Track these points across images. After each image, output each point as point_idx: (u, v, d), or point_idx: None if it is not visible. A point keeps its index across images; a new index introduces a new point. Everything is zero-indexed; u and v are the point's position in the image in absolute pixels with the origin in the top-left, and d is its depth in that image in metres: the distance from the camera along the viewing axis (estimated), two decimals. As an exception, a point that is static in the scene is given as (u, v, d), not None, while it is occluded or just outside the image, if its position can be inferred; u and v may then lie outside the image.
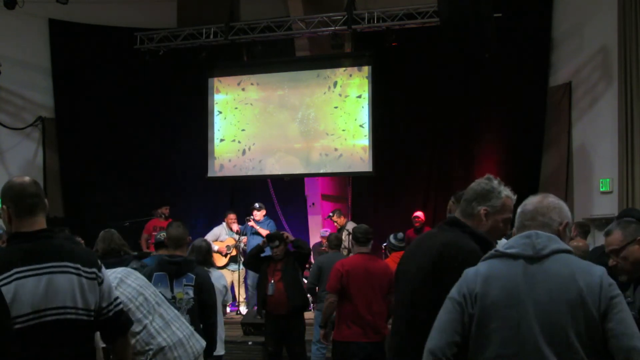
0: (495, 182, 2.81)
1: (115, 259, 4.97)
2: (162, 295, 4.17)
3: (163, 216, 10.47)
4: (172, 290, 4.47)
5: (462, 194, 2.92)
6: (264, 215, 9.92)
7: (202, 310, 4.52)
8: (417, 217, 10.23)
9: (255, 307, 8.47)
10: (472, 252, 2.61)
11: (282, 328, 6.95)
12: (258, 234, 9.69)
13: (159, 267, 4.59)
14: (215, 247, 9.95)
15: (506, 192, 2.80)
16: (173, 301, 4.40)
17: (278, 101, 11.27)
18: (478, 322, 2.25)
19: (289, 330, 6.95)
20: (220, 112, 11.50)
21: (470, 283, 2.31)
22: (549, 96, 10.31)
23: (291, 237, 7.41)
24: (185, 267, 4.58)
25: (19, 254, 2.63)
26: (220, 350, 5.61)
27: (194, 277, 4.55)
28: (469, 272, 2.36)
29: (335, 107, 10.88)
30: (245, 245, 9.85)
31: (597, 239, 9.67)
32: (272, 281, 6.94)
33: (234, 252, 9.89)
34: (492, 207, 2.77)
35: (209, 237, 10.08)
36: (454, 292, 2.34)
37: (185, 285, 4.51)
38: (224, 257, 10.00)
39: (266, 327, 7.27)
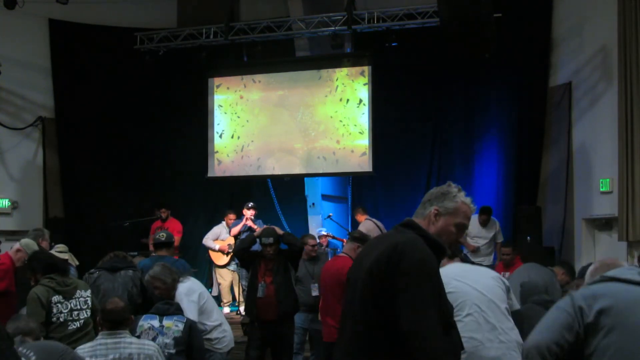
0: (454, 187, 2.76)
1: (120, 264, 5.47)
2: (150, 324, 4.59)
3: (161, 218, 10.49)
4: (160, 322, 4.67)
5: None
6: (253, 215, 9.91)
7: (191, 353, 4.69)
8: None
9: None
10: (423, 260, 2.50)
11: (269, 334, 6.40)
12: (253, 231, 9.69)
13: (151, 310, 4.85)
14: (217, 246, 10.02)
15: (463, 198, 2.73)
16: (161, 328, 4.62)
17: (278, 101, 11.27)
18: (607, 336, 2.33)
19: (277, 336, 6.42)
20: (220, 112, 11.50)
21: (588, 299, 2.39)
22: (549, 96, 10.31)
23: (280, 231, 6.68)
24: (176, 310, 4.83)
25: None
26: (230, 343, 5.86)
27: (185, 318, 4.80)
28: (585, 292, 2.44)
29: (335, 107, 10.87)
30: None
31: (597, 239, 9.68)
32: (263, 282, 6.37)
33: None
34: (444, 208, 2.69)
35: (210, 236, 10.17)
36: (562, 304, 2.41)
37: (176, 320, 4.70)
38: (225, 256, 10.04)
39: (251, 331, 6.65)
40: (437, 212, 2.68)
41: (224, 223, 10.26)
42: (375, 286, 2.48)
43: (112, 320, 4.01)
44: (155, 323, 4.63)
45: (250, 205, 9.86)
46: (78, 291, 4.94)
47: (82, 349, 3.94)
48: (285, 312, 6.40)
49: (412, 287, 2.41)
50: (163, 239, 6.42)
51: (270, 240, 6.37)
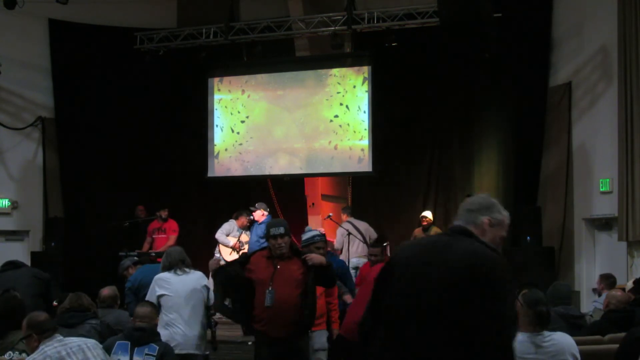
0: (496, 200, 2.79)
1: (76, 319, 5.24)
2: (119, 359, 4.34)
3: (161, 218, 10.53)
4: (131, 358, 4.43)
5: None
6: (267, 216, 9.88)
7: None
8: (425, 217, 10.28)
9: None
10: (508, 268, 2.54)
11: (282, 354, 5.00)
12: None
13: (123, 336, 4.61)
14: (230, 242, 10.05)
15: (505, 212, 2.76)
16: None
17: (278, 101, 11.27)
18: None
19: (292, 353, 5.04)
20: (220, 112, 11.50)
21: None
22: (549, 96, 10.30)
23: (318, 261, 5.02)
24: (149, 336, 4.55)
25: None
26: (201, 349, 5.72)
27: (157, 347, 4.51)
28: None
29: (335, 107, 10.87)
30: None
31: (597, 239, 9.68)
32: (271, 288, 4.90)
33: (246, 249, 9.97)
34: (495, 219, 2.69)
35: (224, 231, 10.17)
36: None
37: (146, 354, 4.46)
38: (236, 253, 10.09)
39: (258, 355, 5.17)
40: (490, 222, 2.67)
41: (232, 221, 10.29)
42: (463, 295, 2.42)
43: (48, 328, 4.08)
44: (125, 358, 4.43)
45: (256, 205, 9.80)
46: None
47: (31, 358, 4.00)
48: (303, 327, 5.07)
49: (505, 295, 2.44)
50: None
51: (281, 230, 4.99)
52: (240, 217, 10.24)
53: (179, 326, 5.53)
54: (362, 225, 9.92)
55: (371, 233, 9.96)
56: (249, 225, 9.97)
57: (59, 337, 4.06)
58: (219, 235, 10.24)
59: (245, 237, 10.03)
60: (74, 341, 4.08)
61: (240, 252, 10.06)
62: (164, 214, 10.49)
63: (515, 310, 2.56)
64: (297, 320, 4.94)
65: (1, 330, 4.68)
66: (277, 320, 4.90)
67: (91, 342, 4.13)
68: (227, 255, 10.16)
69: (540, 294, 4.11)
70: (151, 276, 6.04)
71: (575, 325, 5.26)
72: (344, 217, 10.20)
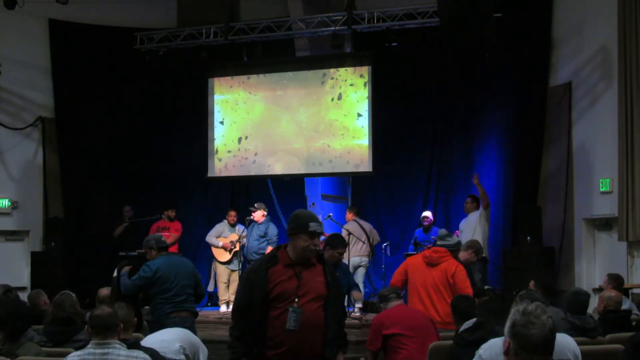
0: None
1: (63, 327, 5.12)
2: None
3: (168, 218, 10.57)
4: None
5: None
6: (265, 216, 9.91)
7: None
8: (426, 217, 10.32)
9: None
10: None
11: None
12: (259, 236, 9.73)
13: None
14: (220, 243, 10.15)
15: None
16: None
17: (278, 101, 11.26)
18: None
19: None
20: (220, 112, 11.50)
21: None
22: (549, 96, 10.30)
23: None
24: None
25: None
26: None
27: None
28: None
29: (335, 107, 10.87)
30: (241, 239, 10.02)
31: (597, 239, 9.69)
32: (295, 305, 3.76)
33: (237, 247, 10.02)
34: None
35: (213, 233, 10.31)
36: None
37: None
38: (228, 253, 10.12)
39: None
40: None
41: (225, 221, 10.37)
42: None
43: (97, 325, 3.75)
44: None
45: (255, 205, 9.86)
46: None
47: (72, 356, 3.77)
48: (332, 353, 3.91)
49: None
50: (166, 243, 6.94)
51: (321, 227, 3.93)
52: (227, 215, 10.36)
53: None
54: (367, 226, 9.96)
55: (374, 235, 10.01)
56: (244, 222, 10.04)
57: (113, 347, 3.69)
58: (208, 237, 10.38)
59: (234, 236, 10.11)
60: (118, 359, 3.69)
61: (232, 252, 10.13)
62: (171, 213, 10.55)
63: None
64: (323, 346, 3.85)
65: (14, 332, 4.60)
66: (304, 347, 3.78)
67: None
68: (220, 256, 10.21)
69: (536, 295, 4.10)
70: (172, 272, 6.17)
71: (588, 338, 5.09)
72: (350, 216, 10.17)
